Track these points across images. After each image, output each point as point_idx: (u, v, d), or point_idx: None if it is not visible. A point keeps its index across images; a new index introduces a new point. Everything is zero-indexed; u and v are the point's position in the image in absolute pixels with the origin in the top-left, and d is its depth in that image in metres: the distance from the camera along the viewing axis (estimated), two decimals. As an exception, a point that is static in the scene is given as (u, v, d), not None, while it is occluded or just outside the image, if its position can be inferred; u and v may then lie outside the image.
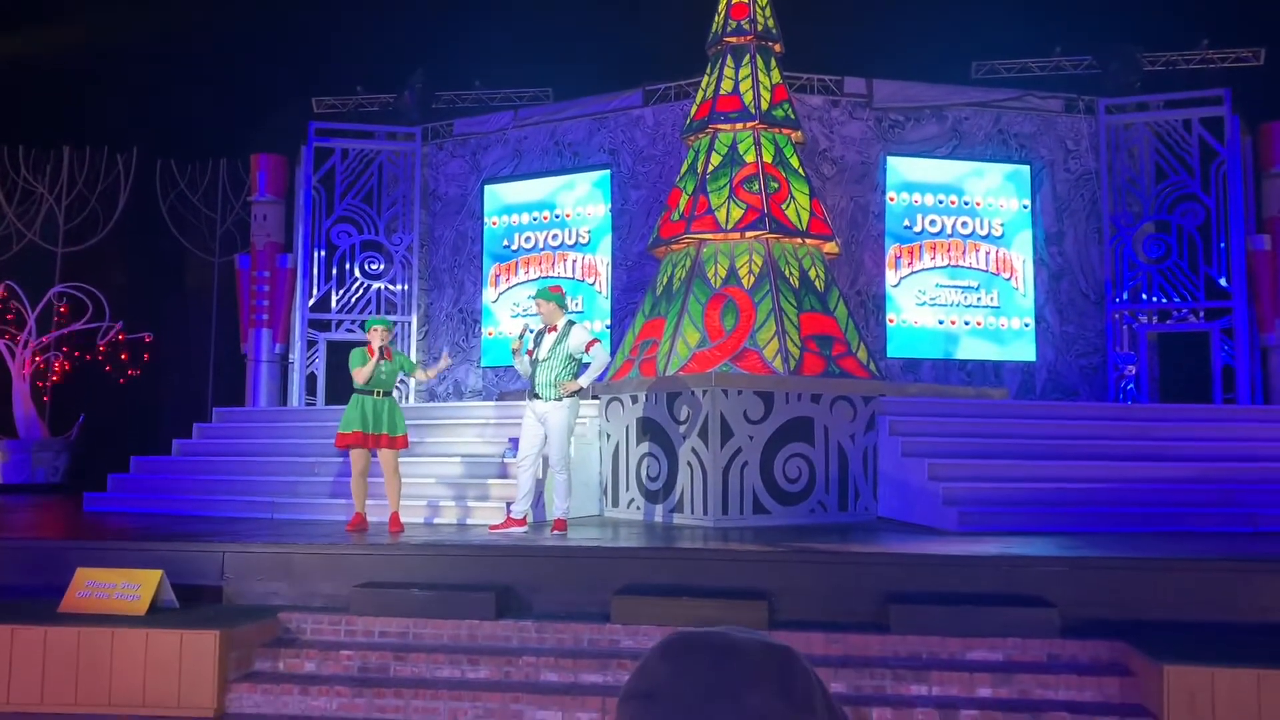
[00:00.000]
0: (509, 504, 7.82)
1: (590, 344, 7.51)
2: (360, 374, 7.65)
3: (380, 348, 7.69)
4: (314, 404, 13.71)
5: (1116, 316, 12.92)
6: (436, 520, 8.41)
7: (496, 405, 10.50)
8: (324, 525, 8.11)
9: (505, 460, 8.91)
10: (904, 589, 5.93)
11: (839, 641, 5.55)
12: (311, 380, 14.02)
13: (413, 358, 13.80)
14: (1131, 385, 12.68)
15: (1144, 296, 12.98)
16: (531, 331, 7.72)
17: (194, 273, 16.87)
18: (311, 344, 14.06)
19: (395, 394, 7.97)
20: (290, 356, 14.30)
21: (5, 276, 14.54)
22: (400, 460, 7.90)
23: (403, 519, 7.74)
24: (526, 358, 7.58)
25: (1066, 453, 8.84)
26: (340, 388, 8.32)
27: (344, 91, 15.62)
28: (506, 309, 13.78)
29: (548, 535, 7.36)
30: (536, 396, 7.52)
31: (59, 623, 5.66)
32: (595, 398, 9.61)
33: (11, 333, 14.52)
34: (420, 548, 6.76)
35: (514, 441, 8.50)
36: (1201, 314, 12.83)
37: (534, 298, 7.96)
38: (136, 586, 5.96)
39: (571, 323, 7.67)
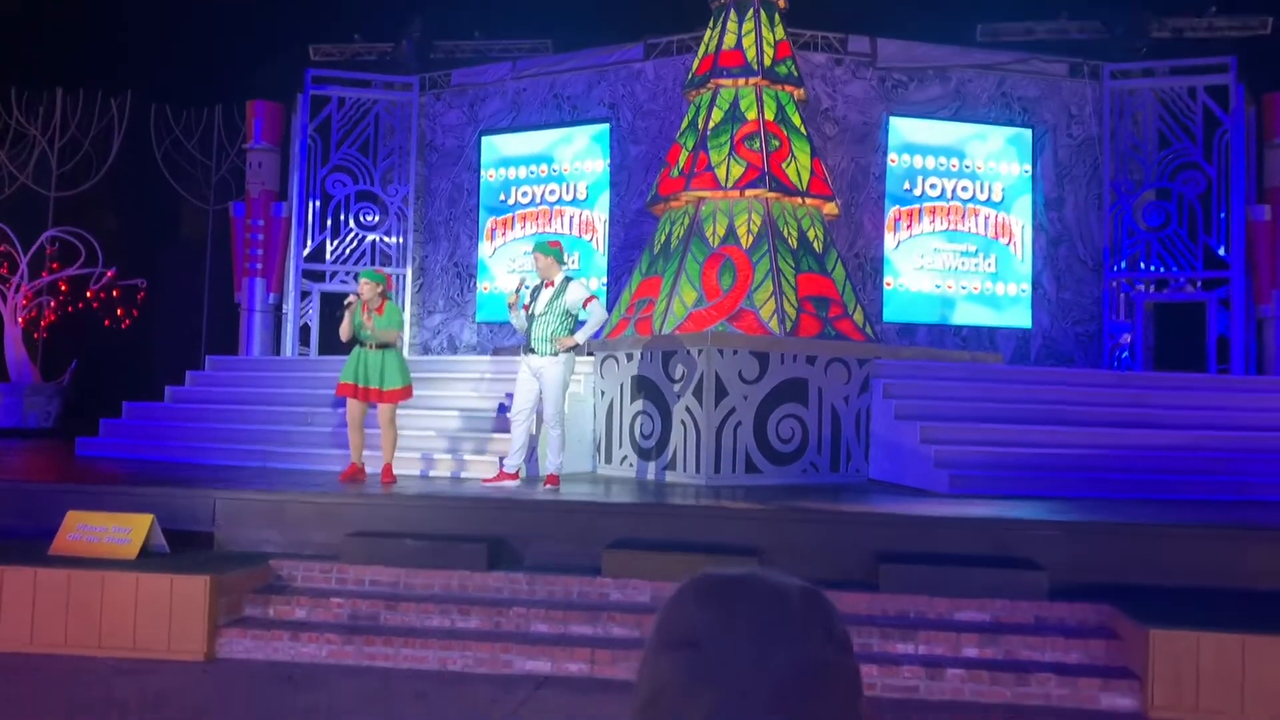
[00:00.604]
0: (502, 458, 7.85)
1: (588, 300, 7.47)
2: (341, 330, 7.66)
3: (365, 300, 7.62)
4: (307, 354, 13.68)
5: (1114, 284, 12.90)
6: (430, 473, 8.41)
7: (491, 360, 10.47)
8: (316, 475, 8.11)
9: (497, 417, 8.90)
10: (894, 549, 5.95)
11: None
12: (305, 331, 13.97)
13: (406, 313, 13.75)
14: (1126, 354, 12.70)
15: (1142, 265, 12.95)
16: (528, 287, 7.67)
17: (188, 220, 16.76)
18: (305, 295, 13.99)
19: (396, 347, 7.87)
20: (284, 307, 14.23)
21: (-3, 220, 14.42)
22: (397, 413, 7.87)
23: (396, 471, 7.74)
24: (523, 312, 7.53)
25: (1059, 418, 8.85)
26: (334, 339, 8.26)
27: (342, 39, 15.43)
28: (503, 264, 13.70)
29: (541, 490, 7.38)
30: (532, 351, 7.49)
31: (49, 564, 5.67)
32: (590, 354, 9.59)
33: (3, 276, 14.43)
34: (413, 499, 6.77)
35: (505, 402, 8.49)
36: (1199, 284, 12.81)
37: (531, 251, 7.90)
38: (127, 530, 5.96)
39: (569, 279, 7.63)
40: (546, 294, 7.50)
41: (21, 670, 5.17)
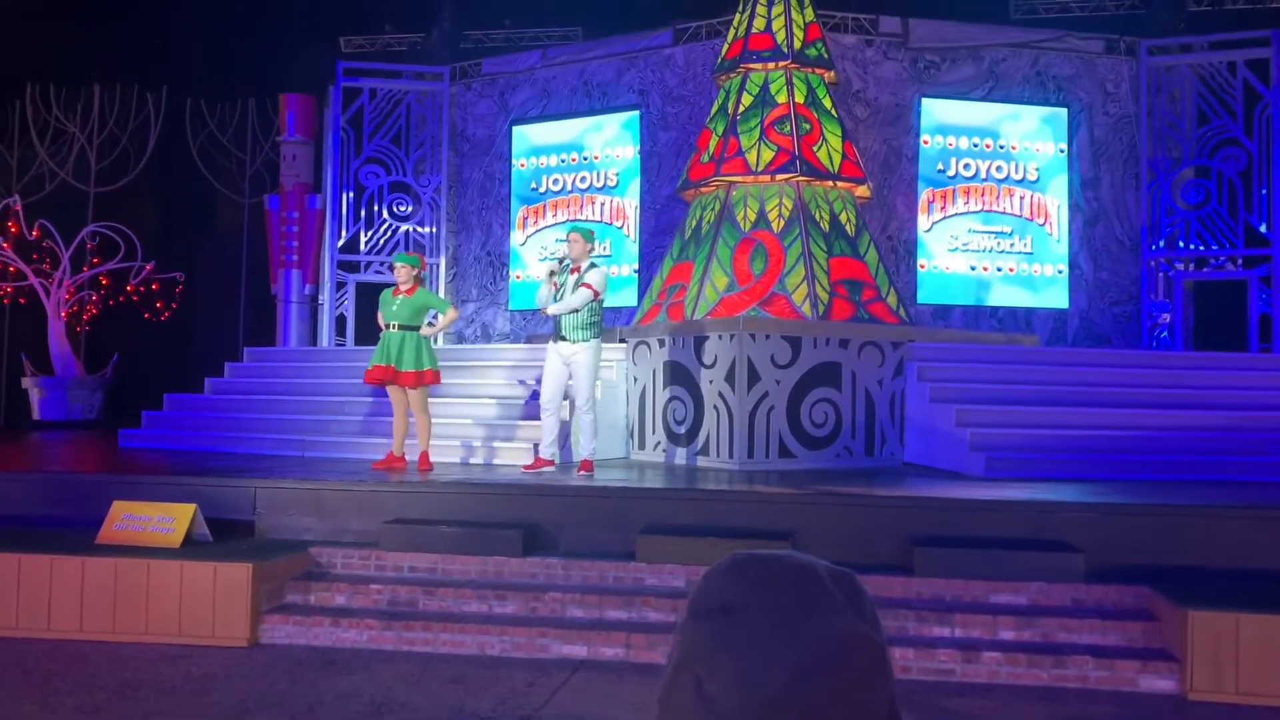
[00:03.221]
0: (536, 445, 7.92)
1: (587, 283, 7.47)
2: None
3: (399, 283, 7.75)
4: (343, 344, 13.81)
5: (1152, 264, 12.72)
6: (469, 461, 8.49)
7: (525, 348, 10.54)
8: (353, 463, 8.21)
9: (528, 404, 8.95)
10: (928, 532, 5.94)
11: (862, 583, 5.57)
12: (341, 321, 14.11)
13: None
14: (1165, 333, 12.53)
15: (1181, 243, 12.76)
16: (566, 265, 7.70)
17: (224, 213, 16.96)
18: (341, 285, 14.11)
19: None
20: (320, 297, 14.38)
21: (39, 216, 14.66)
22: (430, 401, 7.94)
23: (432, 459, 7.82)
24: (552, 289, 7.57)
25: (1097, 400, 8.77)
26: (370, 329, 8.35)
27: (372, 31, 15.52)
28: (534, 252, 13.74)
29: (575, 475, 7.43)
30: (563, 339, 7.54)
31: (97, 553, 5.79)
32: (623, 340, 9.62)
33: (46, 271, 14.69)
34: (449, 485, 6.84)
35: (536, 389, 8.53)
36: (1240, 262, 12.60)
37: (570, 230, 7.90)
38: (171, 520, 6.07)
39: (594, 265, 7.66)
40: (572, 280, 7.55)
41: (72, 656, 5.30)
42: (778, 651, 0.79)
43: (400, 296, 7.71)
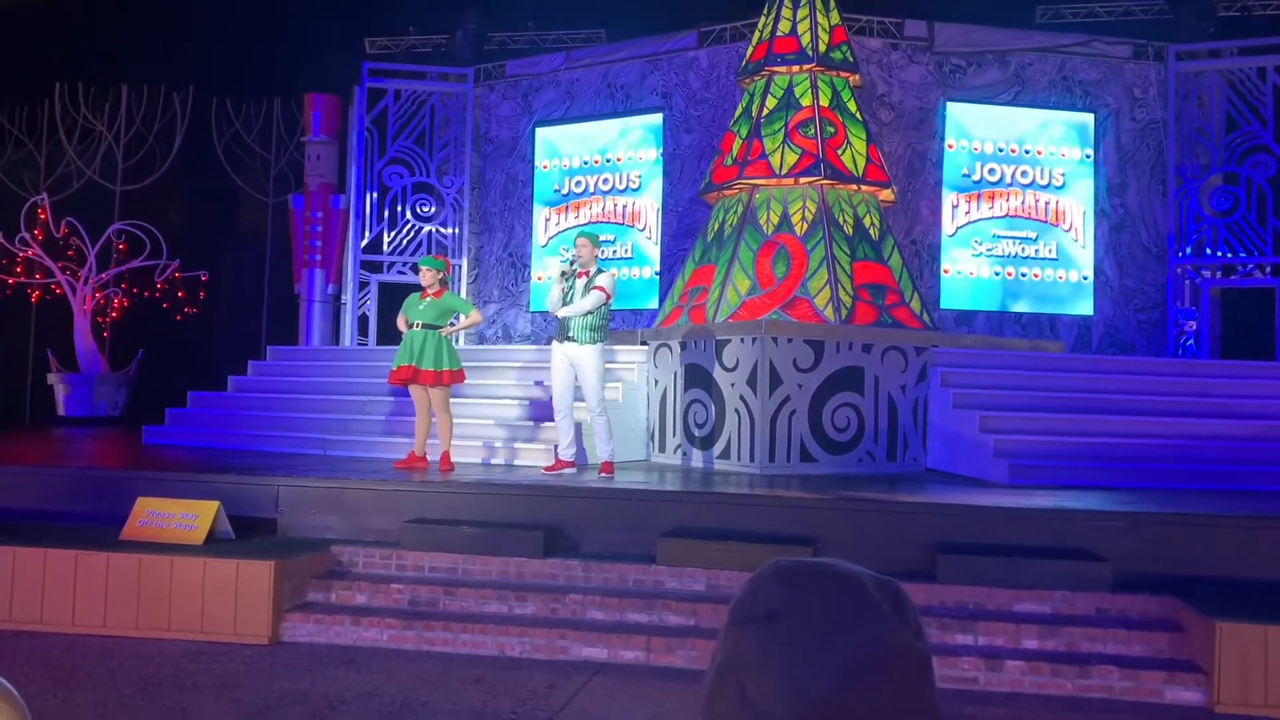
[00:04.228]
0: (555, 446, 7.93)
1: (599, 286, 7.49)
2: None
3: (425, 286, 7.80)
4: (365, 344, 13.87)
5: (1179, 271, 12.60)
6: (484, 461, 8.50)
7: (548, 349, 10.53)
8: (375, 462, 8.24)
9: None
10: (952, 539, 5.90)
11: (885, 589, 5.54)
12: (363, 321, 14.17)
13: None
14: (1192, 341, 12.41)
15: (1208, 251, 12.64)
16: (576, 268, 7.72)
17: (249, 212, 17.05)
18: (363, 285, 14.17)
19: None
20: (343, 297, 14.45)
21: (66, 213, 14.80)
22: (452, 401, 7.96)
23: (454, 459, 7.84)
24: (562, 291, 7.60)
25: (1122, 407, 8.70)
26: (392, 328, 8.39)
27: (397, 32, 15.56)
28: (556, 253, 13.76)
29: (595, 478, 7.43)
30: (570, 339, 7.56)
31: (121, 549, 5.83)
32: (644, 343, 9.62)
33: (73, 269, 14.82)
34: (470, 486, 6.84)
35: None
36: (1268, 270, 12.47)
37: (578, 235, 7.93)
38: (194, 517, 6.11)
39: (600, 269, 7.70)
40: (581, 284, 7.58)
41: (95, 652, 5.33)
42: (823, 659, 0.78)
43: (428, 299, 7.76)
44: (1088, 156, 12.64)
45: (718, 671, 0.82)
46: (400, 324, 7.88)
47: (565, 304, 7.58)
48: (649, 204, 13.26)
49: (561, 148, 13.90)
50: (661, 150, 13.18)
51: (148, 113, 15.94)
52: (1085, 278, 12.58)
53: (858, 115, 10.47)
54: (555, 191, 13.90)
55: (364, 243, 14.15)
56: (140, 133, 15.98)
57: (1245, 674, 4.64)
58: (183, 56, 16.11)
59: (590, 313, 7.51)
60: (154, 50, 16.20)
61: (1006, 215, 12.52)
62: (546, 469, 7.79)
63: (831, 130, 10.10)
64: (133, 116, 15.98)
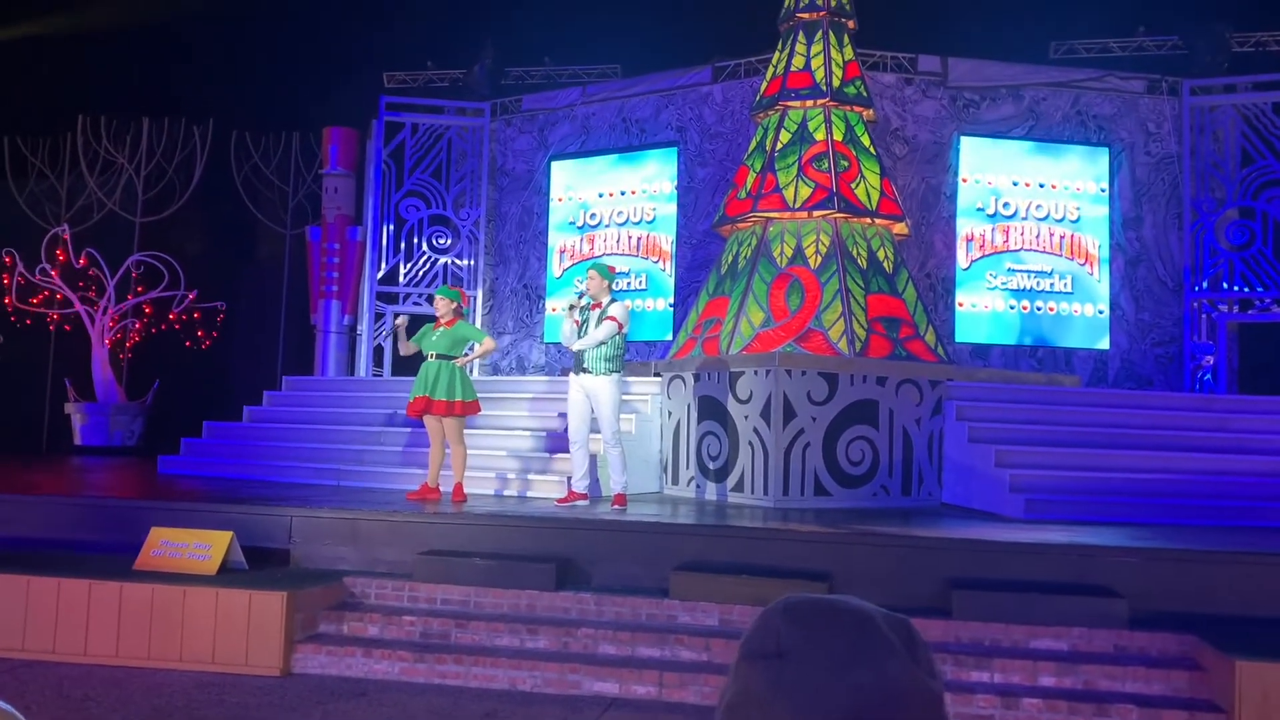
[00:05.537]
0: (569, 478, 7.92)
1: (611, 316, 7.51)
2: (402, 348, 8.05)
3: (439, 316, 7.88)
4: (381, 375, 13.92)
5: (1195, 305, 12.55)
6: (497, 492, 8.49)
7: (562, 380, 10.54)
8: (389, 493, 8.24)
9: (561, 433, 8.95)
10: (967, 574, 5.85)
11: (899, 625, 5.48)
12: (379, 352, 14.22)
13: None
14: (1209, 376, 12.33)
15: (1225, 285, 12.59)
16: (588, 302, 7.75)
17: (266, 244, 17.19)
18: (379, 316, 14.24)
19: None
20: (359, 328, 14.52)
21: (86, 244, 14.96)
22: (465, 432, 7.98)
23: (467, 490, 7.84)
24: (574, 325, 7.62)
25: (1139, 443, 8.63)
26: (407, 359, 8.43)
27: (414, 66, 15.73)
28: (570, 286, 13.81)
29: (607, 510, 7.41)
30: (585, 371, 7.58)
31: (134, 579, 5.84)
32: (658, 375, 9.62)
33: (92, 299, 14.95)
34: (482, 518, 6.83)
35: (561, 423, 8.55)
36: (1285, 304, 12.41)
37: (589, 268, 7.97)
38: (208, 547, 6.11)
39: (613, 300, 7.71)
40: (594, 315, 7.60)
41: (107, 682, 5.32)
42: (833, 697, 0.78)
43: (441, 329, 7.83)
44: (1103, 190, 12.64)
45: (728, 708, 0.82)
46: (403, 348, 7.97)
47: (580, 337, 7.61)
48: (663, 237, 13.31)
49: (577, 181, 13.99)
50: (676, 184, 13.25)
51: (168, 145, 16.14)
52: (1101, 311, 12.54)
53: (871, 149, 10.51)
54: (570, 224, 13.98)
55: (380, 274, 14.23)
56: (160, 165, 16.17)
57: (1266, 714, 4.57)
58: (203, 90, 16.33)
59: (604, 343, 7.53)
60: (175, 85, 16.43)
61: (1021, 249, 12.51)
62: (560, 501, 7.78)
63: (845, 164, 10.13)
64: (153, 149, 16.17)
